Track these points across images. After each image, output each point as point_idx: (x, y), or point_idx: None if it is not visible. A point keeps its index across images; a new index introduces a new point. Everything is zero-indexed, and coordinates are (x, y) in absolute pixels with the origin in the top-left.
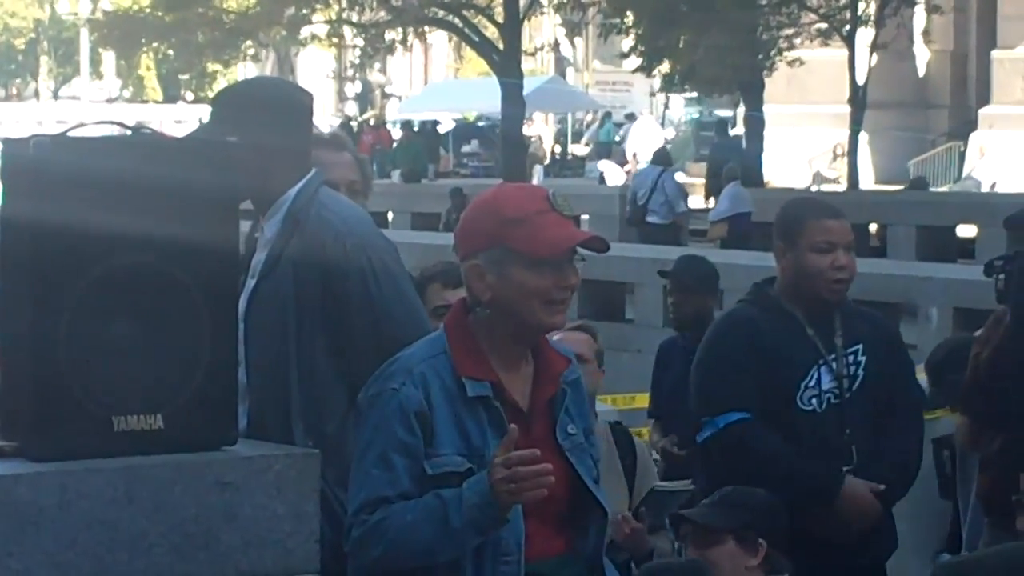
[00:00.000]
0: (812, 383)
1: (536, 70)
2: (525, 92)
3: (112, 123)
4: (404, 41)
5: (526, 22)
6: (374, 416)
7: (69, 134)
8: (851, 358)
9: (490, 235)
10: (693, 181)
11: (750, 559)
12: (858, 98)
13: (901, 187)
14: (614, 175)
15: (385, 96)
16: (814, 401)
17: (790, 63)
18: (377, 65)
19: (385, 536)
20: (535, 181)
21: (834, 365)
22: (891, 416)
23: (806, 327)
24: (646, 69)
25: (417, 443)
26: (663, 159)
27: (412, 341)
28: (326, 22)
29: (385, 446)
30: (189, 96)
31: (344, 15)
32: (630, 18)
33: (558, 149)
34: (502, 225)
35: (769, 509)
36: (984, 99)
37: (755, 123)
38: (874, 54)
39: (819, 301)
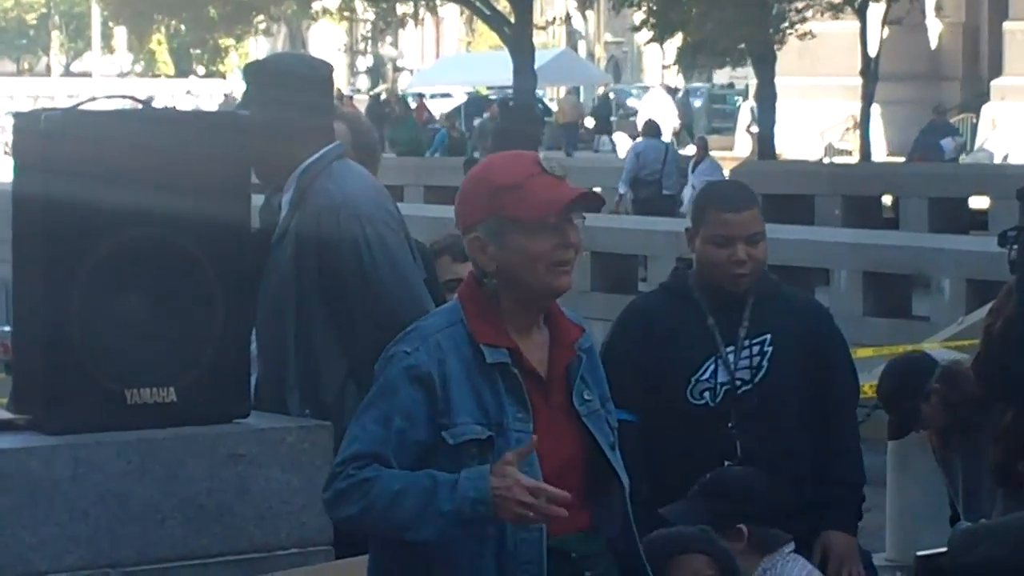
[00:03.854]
0: (706, 376)
1: (548, 43)
2: (537, 65)
3: (124, 97)
4: (416, 14)
5: None
6: (383, 376)
7: (80, 108)
8: (756, 348)
9: (485, 206)
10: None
11: (735, 545)
12: (870, 70)
13: (909, 158)
14: (625, 147)
15: (397, 70)
16: (707, 395)
17: (800, 36)
18: (389, 39)
19: (366, 496)
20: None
21: (731, 358)
22: (824, 414)
23: (707, 317)
24: (658, 41)
25: (419, 409)
26: (656, 131)
27: (407, 313)
28: None
29: (390, 406)
30: (201, 70)
31: None
32: None
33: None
34: (496, 194)
35: (745, 490)
36: (996, 71)
37: (767, 95)
38: (886, 27)
39: (723, 291)
